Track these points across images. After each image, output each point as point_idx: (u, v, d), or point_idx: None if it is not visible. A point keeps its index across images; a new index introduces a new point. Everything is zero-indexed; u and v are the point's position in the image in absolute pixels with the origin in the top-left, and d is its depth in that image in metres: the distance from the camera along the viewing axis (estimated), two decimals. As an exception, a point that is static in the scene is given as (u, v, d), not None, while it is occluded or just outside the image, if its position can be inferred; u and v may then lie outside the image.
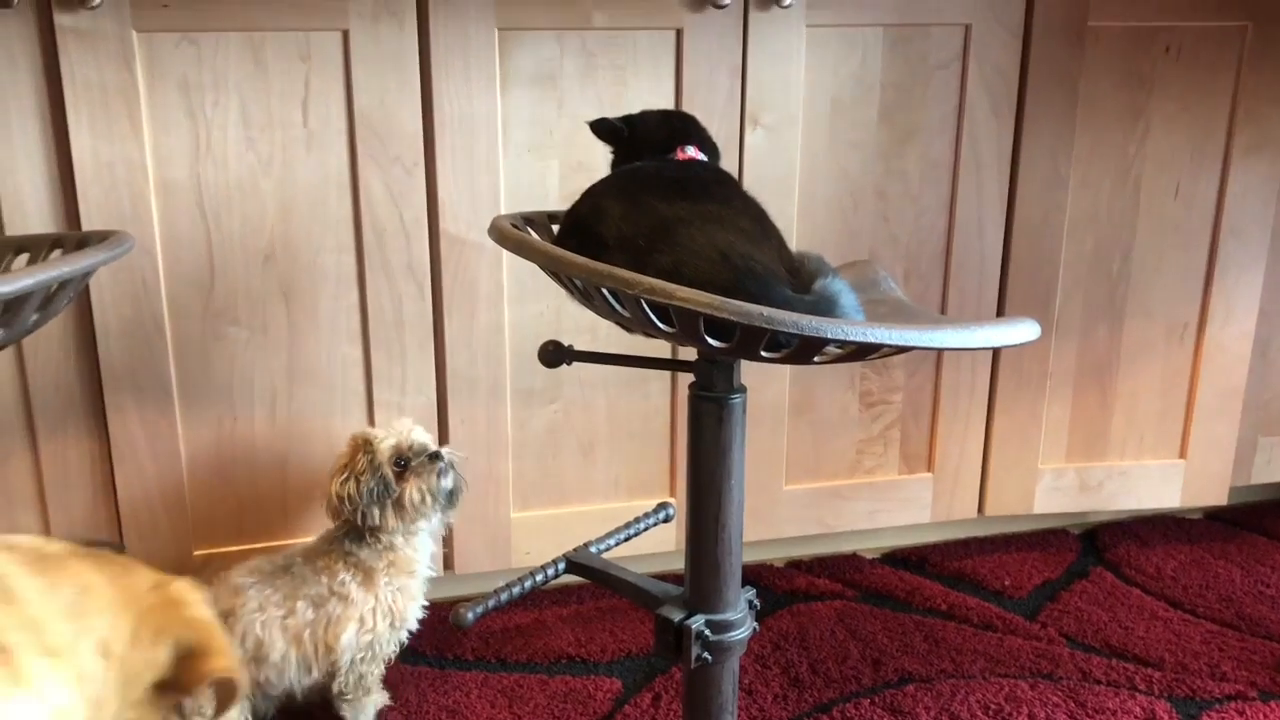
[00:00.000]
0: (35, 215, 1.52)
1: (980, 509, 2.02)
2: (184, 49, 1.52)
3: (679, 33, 1.69)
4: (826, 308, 1.08)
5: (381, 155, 1.62)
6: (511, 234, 1.14)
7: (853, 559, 2.04)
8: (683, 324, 1.00)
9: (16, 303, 0.97)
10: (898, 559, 2.05)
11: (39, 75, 1.49)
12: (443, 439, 1.75)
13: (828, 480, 1.95)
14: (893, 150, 1.82)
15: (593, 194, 1.19)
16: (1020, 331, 0.99)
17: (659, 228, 1.09)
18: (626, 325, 1.11)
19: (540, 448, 1.80)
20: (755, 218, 1.15)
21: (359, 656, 1.50)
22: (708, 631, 1.23)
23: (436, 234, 1.67)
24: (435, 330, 1.71)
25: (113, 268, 1.56)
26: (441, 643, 1.76)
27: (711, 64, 1.70)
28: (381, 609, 1.50)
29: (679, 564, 1.92)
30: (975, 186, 1.85)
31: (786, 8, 1.70)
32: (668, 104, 1.71)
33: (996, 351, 1.94)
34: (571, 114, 1.68)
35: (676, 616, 1.23)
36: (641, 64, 1.69)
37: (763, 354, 1.01)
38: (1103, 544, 2.10)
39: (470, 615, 1.32)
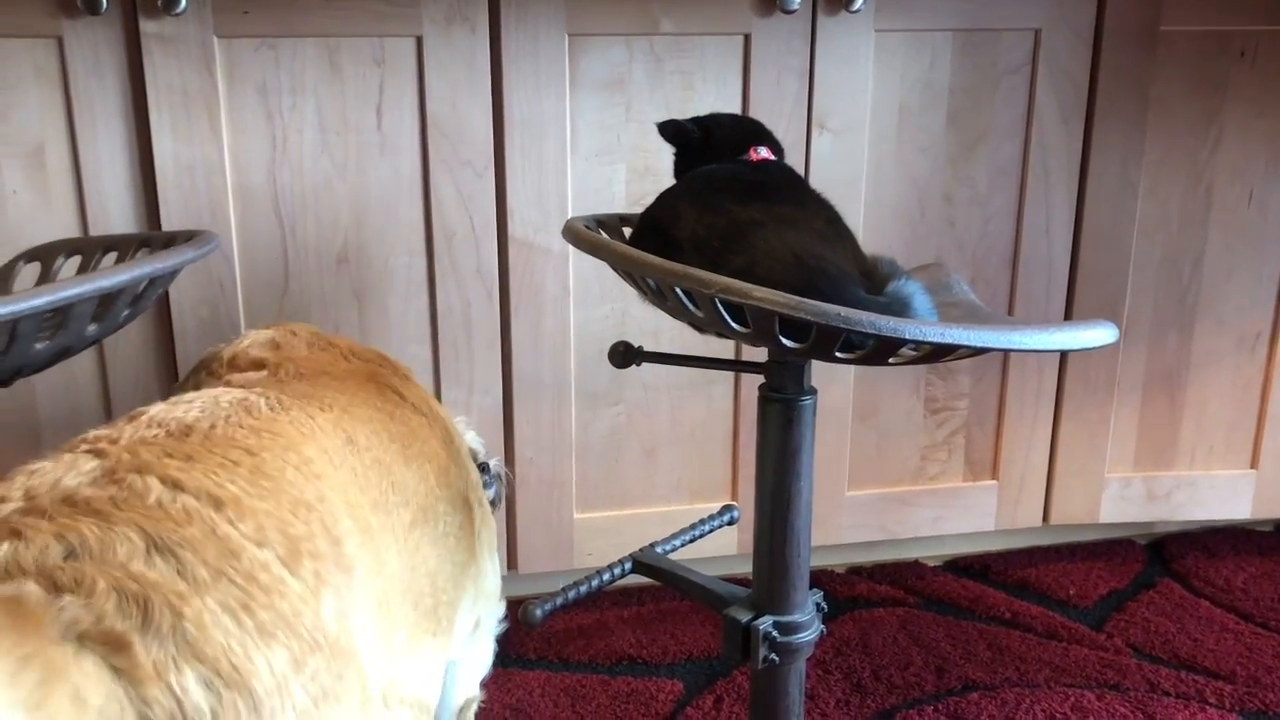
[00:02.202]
0: (118, 216, 1.56)
1: (1045, 517, 2.00)
2: (263, 53, 1.56)
3: (747, 38, 1.69)
4: (900, 309, 1.07)
5: (452, 159, 1.64)
6: (586, 235, 1.16)
7: (915, 566, 2.03)
8: (758, 324, 1.01)
9: (110, 298, 1.00)
10: (960, 567, 2.03)
11: (124, 80, 1.53)
12: (508, 439, 1.77)
13: (891, 486, 1.94)
14: (960, 155, 1.81)
15: (668, 196, 1.20)
16: (1098, 334, 0.99)
17: (733, 230, 1.10)
18: (699, 326, 1.12)
19: (603, 450, 1.82)
20: (829, 219, 1.16)
21: None
22: (775, 633, 1.23)
23: (505, 237, 1.69)
24: (502, 332, 1.73)
25: (191, 270, 1.60)
26: (505, 642, 1.78)
27: (779, 69, 1.71)
28: None
29: (741, 567, 1.93)
30: (1043, 192, 1.83)
31: (855, 12, 1.70)
32: (735, 108, 1.72)
33: (1064, 358, 1.92)
34: (639, 119, 1.69)
35: (744, 617, 1.23)
36: (709, 69, 1.70)
37: (837, 355, 1.02)
38: (1170, 555, 2.07)
39: (539, 612, 1.33)
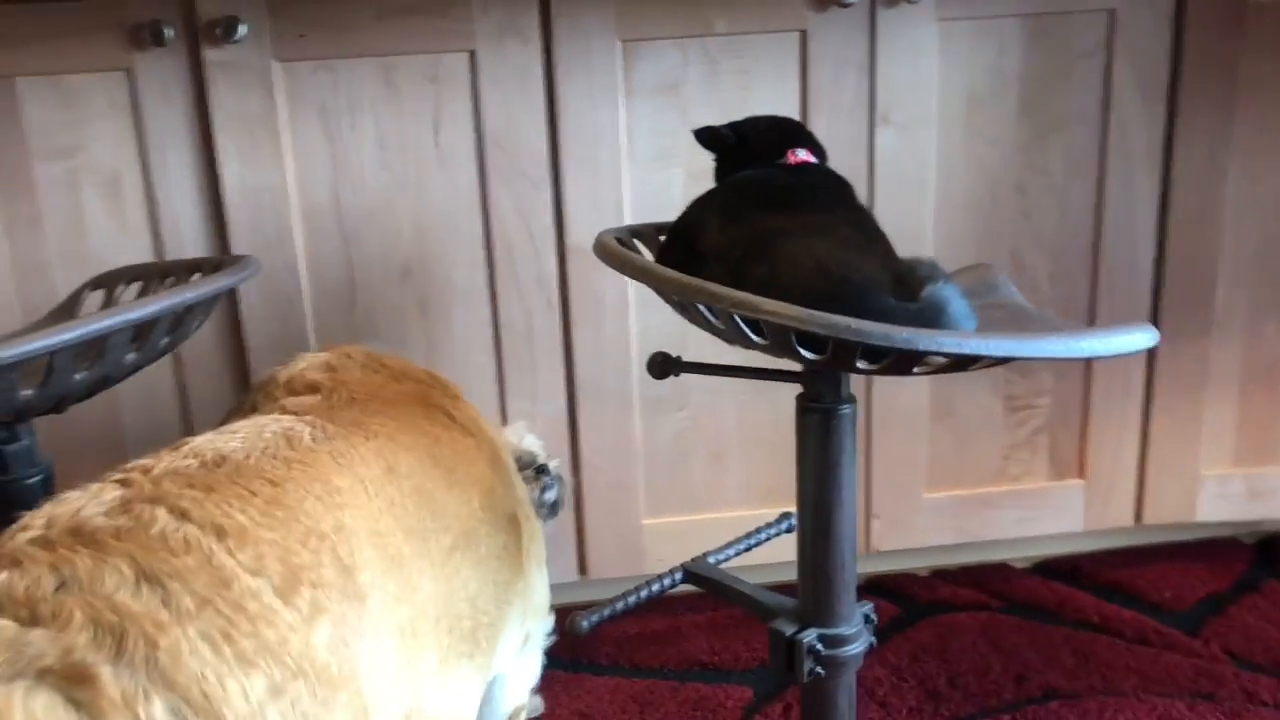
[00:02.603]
0: (190, 240, 1.63)
1: (1138, 517, 1.92)
2: (321, 76, 1.60)
3: (803, 34, 1.66)
4: (933, 315, 1.04)
5: (509, 171, 1.66)
6: (612, 250, 1.15)
7: (1000, 568, 1.97)
8: (774, 337, 0.99)
9: (145, 328, 1.04)
10: (1049, 569, 1.96)
11: (190, 109, 1.59)
12: (574, 447, 1.78)
13: (971, 488, 1.89)
14: (1034, 144, 1.74)
15: (695, 207, 1.19)
16: (1132, 339, 0.94)
17: (756, 239, 1.08)
18: (725, 338, 1.11)
19: (670, 455, 1.81)
20: (858, 224, 1.13)
21: None
22: (820, 646, 1.21)
23: (564, 246, 1.70)
24: (564, 340, 1.74)
25: (261, 288, 1.65)
26: (575, 647, 1.79)
27: (838, 64, 1.68)
28: None
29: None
30: (1124, 180, 1.75)
31: (915, 3, 1.65)
32: (792, 106, 1.69)
33: (1152, 350, 1.84)
34: (695, 122, 1.66)
35: (788, 630, 1.21)
36: (765, 67, 1.67)
37: (859, 366, 0.99)
38: (1277, 555, 1.96)
39: (585, 623, 1.34)
